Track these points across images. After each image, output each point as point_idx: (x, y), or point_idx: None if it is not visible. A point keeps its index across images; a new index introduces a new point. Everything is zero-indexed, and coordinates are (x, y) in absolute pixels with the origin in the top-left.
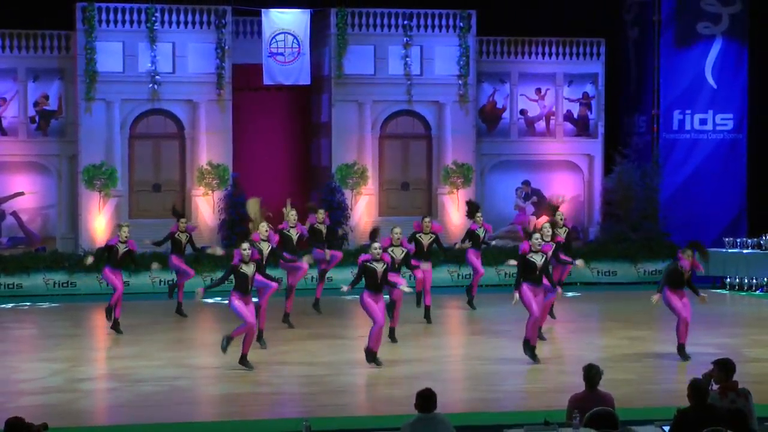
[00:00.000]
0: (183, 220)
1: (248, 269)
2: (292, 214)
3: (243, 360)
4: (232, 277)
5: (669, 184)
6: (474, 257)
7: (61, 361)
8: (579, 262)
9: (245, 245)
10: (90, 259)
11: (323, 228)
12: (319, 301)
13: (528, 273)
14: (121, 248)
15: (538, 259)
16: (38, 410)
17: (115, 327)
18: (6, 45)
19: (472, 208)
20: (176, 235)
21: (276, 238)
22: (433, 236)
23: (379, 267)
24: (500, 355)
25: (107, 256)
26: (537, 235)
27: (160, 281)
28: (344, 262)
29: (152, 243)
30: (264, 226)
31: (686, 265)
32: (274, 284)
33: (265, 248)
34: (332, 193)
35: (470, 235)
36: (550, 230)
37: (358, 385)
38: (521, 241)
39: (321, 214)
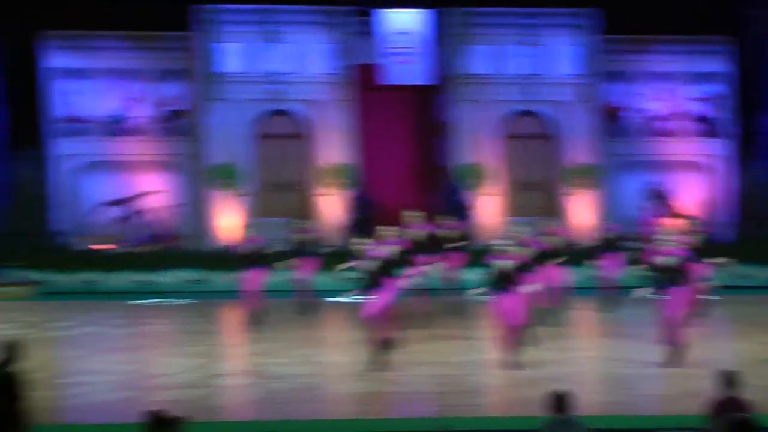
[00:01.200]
0: (299, 221)
1: (371, 264)
2: (415, 216)
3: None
4: None
5: None
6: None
7: (195, 357)
8: (722, 261)
9: (368, 241)
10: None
11: (445, 232)
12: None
13: (663, 275)
14: (249, 248)
15: (670, 262)
16: (174, 405)
17: (254, 322)
18: (135, 47)
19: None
20: (296, 239)
21: (405, 241)
22: (560, 239)
23: (508, 265)
24: (635, 358)
25: (243, 258)
26: (663, 237)
27: (286, 279)
28: (468, 262)
29: (281, 250)
30: (391, 229)
31: None
32: (397, 284)
33: (393, 249)
34: (453, 193)
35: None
36: (672, 233)
37: (491, 385)
38: (647, 242)
39: (444, 219)
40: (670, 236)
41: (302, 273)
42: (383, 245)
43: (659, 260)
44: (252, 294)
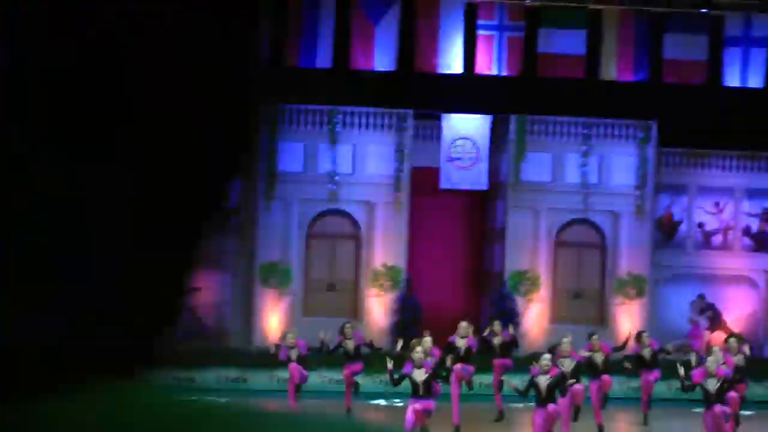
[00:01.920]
0: (348, 325)
1: (419, 375)
2: (463, 326)
3: None
4: None
5: None
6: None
7: None
8: None
9: (418, 350)
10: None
11: (497, 340)
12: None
13: (705, 399)
14: (293, 354)
15: (711, 385)
16: None
17: None
18: None
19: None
20: (343, 343)
21: (437, 352)
22: (604, 355)
23: (543, 380)
24: None
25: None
26: (711, 359)
27: (329, 380)
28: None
29: (324, 346)
30: (428, 341)
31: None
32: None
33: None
34: (503, 299)
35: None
36: (720, 354)
37: None
38: (693, 354)
39: (496, 325)
40: (719, 356)
41: (347, 374)
42: (430, 357)
43: (707, 383)
44: (292, 395)
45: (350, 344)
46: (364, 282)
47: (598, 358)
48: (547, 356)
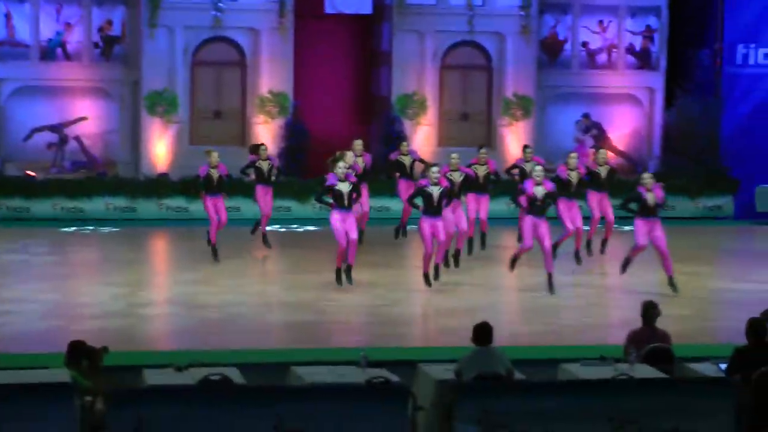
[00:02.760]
0: (263, 147)
1: (344, 187)
2: (357, 144)
3: (348, 272)
4: None
5: (731, 118)
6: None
7: (121, 286)
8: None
9: (341, 164)
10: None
11: (407, 160)
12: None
13: (529, 207)
14: (215, 174)
15: (539, 192)
16: (99, 334)
17: (214, 254)
18: None
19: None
20: (257, 164)
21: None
22: (488, 169)
23: (435, 191)
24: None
25: (203, 184)
26: (538, 168)
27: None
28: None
29: (240, 171)
30: (350, 156)
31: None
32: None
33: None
34: (391, 123)
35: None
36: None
37: (416, 315)
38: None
39: (404, 146)
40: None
41: (268, 200)
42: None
43: (534, 190)
44: (213, 222)
45: (265, 165)
46: (251, 109)
47: (481, 171)
48: (436, 168)
